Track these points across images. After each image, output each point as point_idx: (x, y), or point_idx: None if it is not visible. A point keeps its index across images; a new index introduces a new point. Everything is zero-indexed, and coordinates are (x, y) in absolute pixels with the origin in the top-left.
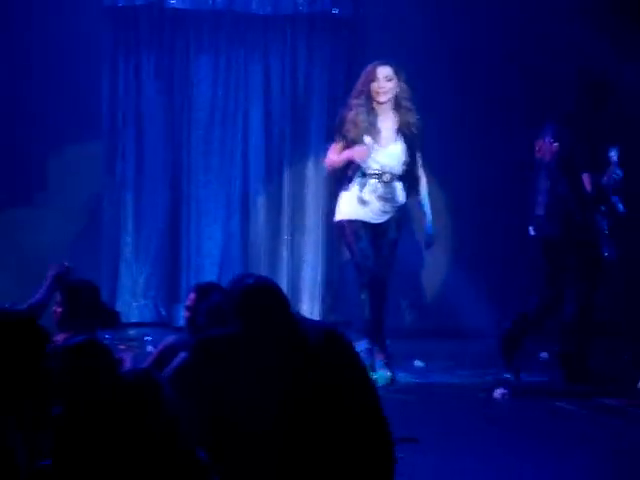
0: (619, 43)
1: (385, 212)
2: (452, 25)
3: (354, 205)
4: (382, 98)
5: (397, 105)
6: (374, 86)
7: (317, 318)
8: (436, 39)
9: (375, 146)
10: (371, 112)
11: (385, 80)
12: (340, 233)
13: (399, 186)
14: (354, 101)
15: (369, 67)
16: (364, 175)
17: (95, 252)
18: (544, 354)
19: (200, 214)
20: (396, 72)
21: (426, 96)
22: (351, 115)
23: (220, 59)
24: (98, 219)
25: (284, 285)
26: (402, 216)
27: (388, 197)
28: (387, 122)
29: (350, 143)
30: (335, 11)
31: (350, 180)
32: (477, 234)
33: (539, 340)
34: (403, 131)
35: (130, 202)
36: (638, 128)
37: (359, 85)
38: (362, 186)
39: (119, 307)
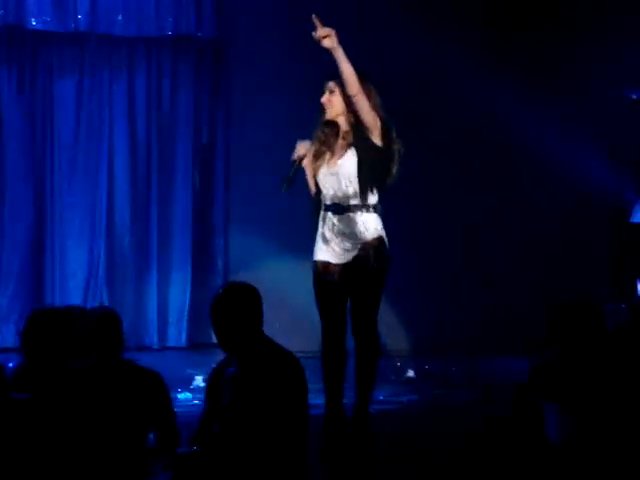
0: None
1: (347, 250)
2: (313, 44)
3: (319, 243)
4: (327, 114)
5: (355, 122)
6: (323, 100)
7: (184, 340)
8: (298, 59)
9: (323, 169)
10: (323, 132)
11: (328, 93)
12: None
13: (357, 217)
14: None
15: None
16: (325, 208)
17: None
18: (411, 372)
19: (65, 235)
20: (365, 86)
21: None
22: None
23: (84, 80)
24: None
25: (153, 306)
26: (372, 254)
27: (346, 232)
28: (340, 141)
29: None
30: (199, 33)
31: (317, 216)
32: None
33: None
34: (355, 143)
35: None
36: None
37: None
38: (323, 221)
39: None
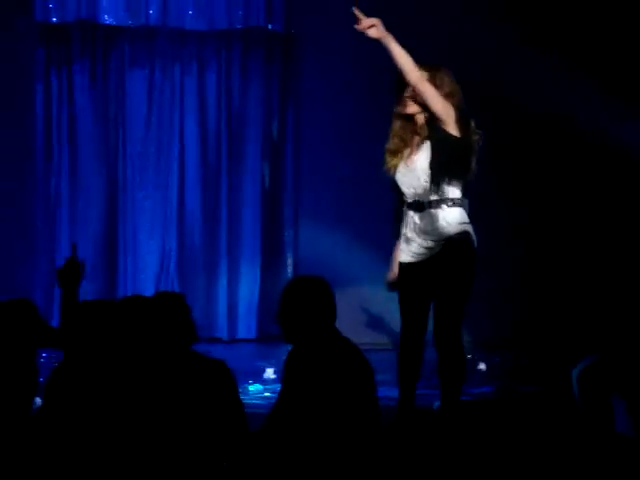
0: None
1: (428, 248)
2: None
3: (402, 245)
4: (406, 109)
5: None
6: (404, 95)
7: (254, 332)
8: (369, 55)
9: (401, 167)
10: (401, 127)
11: (412, 89)
12: None
13: (438, 213)
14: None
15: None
16: (407, 207)
17: (30, 270)
18: (482, 365)
19: (137, 228)
20: (433, 76)
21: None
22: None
23: (155, 75)
24: (32, 236)
25: (223, 299)
26: (457, 250)
27: (428, 229)
28: (416, 137)
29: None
30: (269, 27)
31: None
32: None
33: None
34: (430, 136)
35: (65, 218)
36: None
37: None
38: (405, 221)
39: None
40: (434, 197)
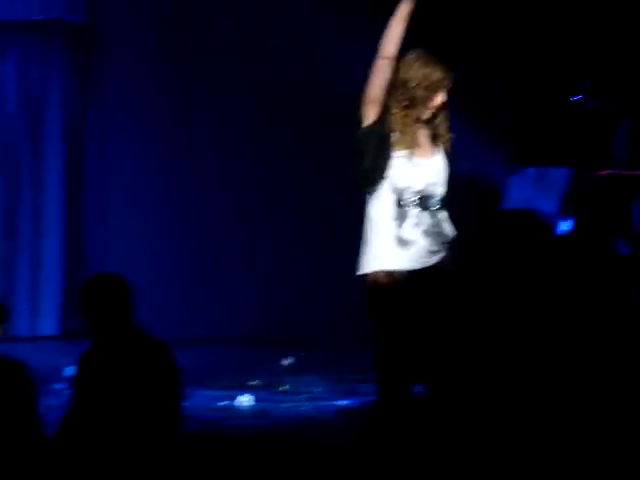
0: None
1: (433, 252)
2: (189, 30)
3: (391, 248)
4: (426, 113)
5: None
6: (438, 99)
7: (57, 324)
8: (173, 45)
9: (414, 158)
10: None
11: (446, 92)
12: (368, 291)
13: (445, 215)
14: (403, 103)
15: (437, 72)
16: (400, 204)
17: None
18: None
19: None
20: None
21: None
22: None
23: None
24: None
25: (24, 291)
26: (455, 254)
27: (436, 231)
28: (422, 131)
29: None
30: (69, 18)
31: (378, 216)
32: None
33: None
34: (438, 143)
35: None
36: None
37: (416, 89)
38: (400, 220)
39: None
40: (437, 198)
